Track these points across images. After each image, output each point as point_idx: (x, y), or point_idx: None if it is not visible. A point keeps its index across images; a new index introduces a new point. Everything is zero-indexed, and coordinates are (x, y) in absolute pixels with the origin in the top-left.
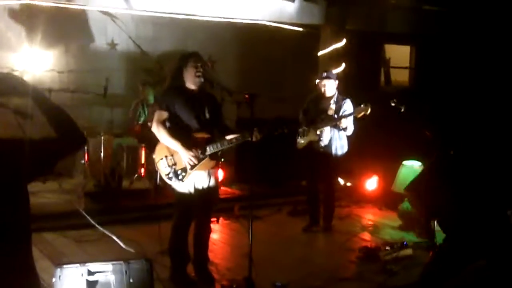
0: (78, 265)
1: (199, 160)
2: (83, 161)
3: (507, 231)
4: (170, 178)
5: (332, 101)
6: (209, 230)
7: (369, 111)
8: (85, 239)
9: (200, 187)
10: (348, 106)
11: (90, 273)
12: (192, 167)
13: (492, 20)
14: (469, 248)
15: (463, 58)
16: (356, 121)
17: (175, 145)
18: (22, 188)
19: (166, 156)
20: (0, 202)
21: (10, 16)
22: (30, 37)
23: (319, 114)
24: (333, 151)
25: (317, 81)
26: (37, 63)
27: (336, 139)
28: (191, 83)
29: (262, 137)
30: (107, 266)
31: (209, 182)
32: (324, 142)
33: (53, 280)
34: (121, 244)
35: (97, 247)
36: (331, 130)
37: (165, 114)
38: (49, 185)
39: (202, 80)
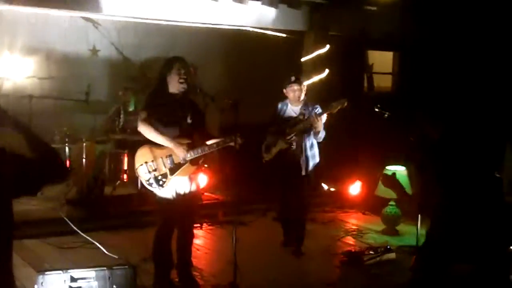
0: (60, 271)
1: (179, 165)
2: None
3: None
4: (150, 184)
5: (301, 106)
6: (191, 235)
7: (345, 104)
8: (67, 246)
9: (181, 193)
10: (318, 111)
11: (73, 279)
12: (172, 172)
13: (475, 24)
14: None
15: (446, 63)
16: (327, 127)
17: (165, 140)
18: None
19: (146, 162)
20: None
21: None
22: (10, 43)
23: (289, 121)
24: (303, 163)
25: (287, 87)
26: (18, 69)
27: (307, 149)
28: (174, 89)
29: (243, 143)
30: (90, 273)
31: (190, 187)
32: (295, 150)
33: (35, 287)
34: (104, 250)
35: (80, 254)
36: (303, 138)
37: (149, 117)
38: None
39: (185, 86)
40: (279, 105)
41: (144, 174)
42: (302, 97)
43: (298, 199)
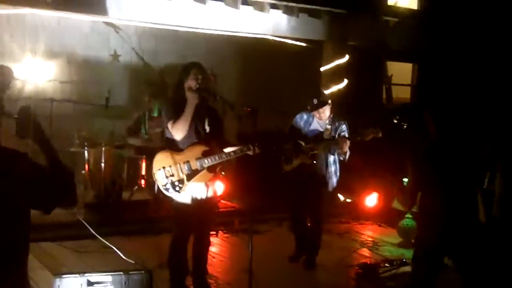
0: (77, 275)
1: (196, 172)
2: (83, 172)
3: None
4: (167, 189)
5: (328, 121)
6: (208, 243)
7: (380, 134)
8: (84, 250)
9: (198, 199)
10: (344, 130)
11: (90, 283)
12: (189, 178)
13: (494, 37)
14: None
15: (466, 75)
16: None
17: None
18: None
19: (163, 167)
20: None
21: (13, 26)
22: (33, 47)
23: (314, 137)
24: (327, 178)
25: (312, 110)
26: (40, 73)
27: (331, 164)
28: (193, 96)
29: (260, 152)
30: (107, 277)
31: (207, 194)
32: (316, 166)
33: None
34: (121, 255)
35: (97, 258)
36: (325, 154)
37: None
38: None
39: (202, 92)
40: (304, 116)
41: (161, 179)
42: (328, 114)
43: (317, 213)
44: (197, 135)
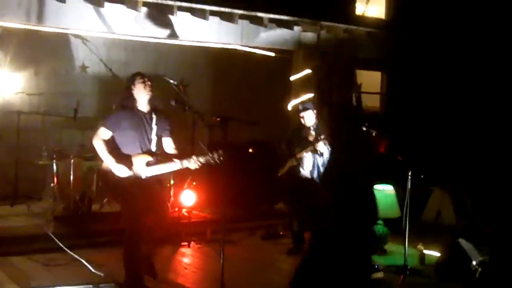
0: None
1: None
2: (52, 184)
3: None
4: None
5: (312, 128)
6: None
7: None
8: (54, 263)
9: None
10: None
11: None
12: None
13: (464, 43)
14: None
15: (434, 83)
16: None
17: (109, 161)
18: None
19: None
20: None
21: None
22: None
23: (301, 141)
24: (316, 179)
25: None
26: (7, 85)
27: (318, 166)
28: (143, 100)
29: (201, 165)
30: None
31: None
32: (306, 168)
33: None
34: (90, 268)
35: (66, 271)
36: (313, 157)
37: (107, 134)
38: (18, 208)
39: (173, 103)
40: (294, 127)
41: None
42: (310, 122)
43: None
44: (141, 146)
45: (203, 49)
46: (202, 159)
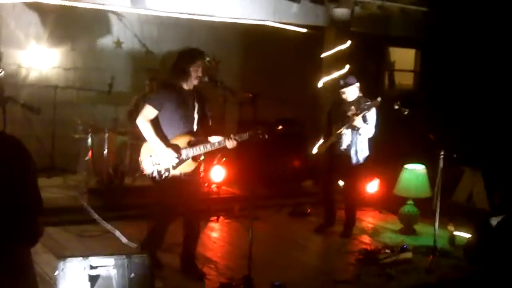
0: (80, 258)
1: (181, 161)
2: (87, 158)
3: None
4: (153, 178)
5: (354, 104)
6: (197, 229)
7: (378, 104)
8: (87, 234)
9: (183, 187)
10: (366, 109)
11: (92, 267)
12: (175, 167)
13: (496, 23)
14: None
15: (468, 62)
16: (379, 123)
17: (157, 143)
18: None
19: (150, 156)
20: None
21: (18, 14)
22: (37, 34)
23: (340, 117)
24: (352, 155)
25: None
26: (44, 60)
27: (356, 143)
28: (188, 83)
29: (237, 143)
30: (109, 260)
31: (193, 181)
32: (344, 144)
33: (56, 273)
34: (123, 239)
35: (99, 242)
36: (352, 133)
37: (154, 112)
38: (54, 180)
39: (205, 79)
40: (336, 98)
41: (147, 167)
42: (352, 97)
43: (348, 188)
44: (184, 124)
45: (234, 25)
46: (240, 138)
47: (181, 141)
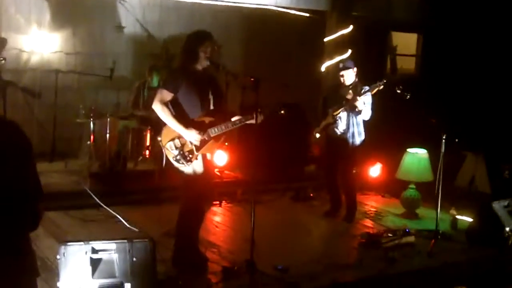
0: (82, 243)
1: (204, 142)
2: (88, 143)
3: None
4: (177, 160)
5: (351, 87)
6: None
7: (381, 86)
8: (89, 219)
9: (206, 168)
10: (364, 91)
11: (94, 251)
12: (198, 148)
13: (498, 8)
14: None
15: (470, 46)
16: (374, 106)
17: (177, 126)
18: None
19: (173, 139)
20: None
21: None
22: (39, 19)
23: (338, 100)
24: (350, 138)
25: (338, 73)
26: (45, 45)
27: (353, 125)
28: (200, 65)
29: (264, 119)
30: (111, 245)
31: (212, 163)
32: (340, 127)
33: (58, 257)
34: (126, 223)
35: (101, 226)
36: (348, 116)
37: (169, 96)
38: (55, 165)
39: (208, 63)
40: (332, 84)
41: (171, 150)
42: (350, 81)
43: (344, 171)
44: (202, 105)
45: (236, 9)
46: (264, 113)
47: (201, 122)
